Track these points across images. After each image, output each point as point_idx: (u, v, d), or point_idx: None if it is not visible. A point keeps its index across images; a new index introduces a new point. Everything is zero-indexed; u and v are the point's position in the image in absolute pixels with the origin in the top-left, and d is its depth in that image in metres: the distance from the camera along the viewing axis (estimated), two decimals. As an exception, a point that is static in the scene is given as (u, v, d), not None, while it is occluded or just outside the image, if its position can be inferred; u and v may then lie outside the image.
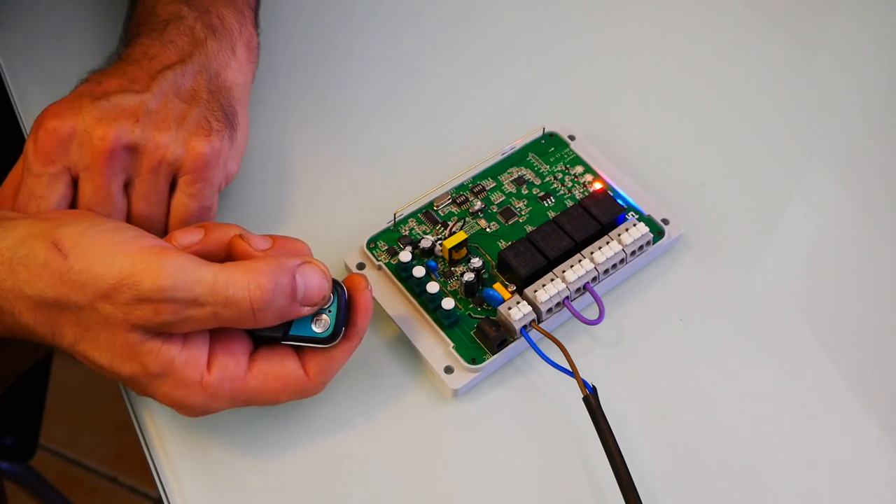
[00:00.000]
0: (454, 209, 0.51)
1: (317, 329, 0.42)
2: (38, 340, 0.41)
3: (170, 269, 0.38)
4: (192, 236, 0.42)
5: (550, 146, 0.54)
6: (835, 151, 0.56)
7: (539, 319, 0.46)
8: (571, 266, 0.47)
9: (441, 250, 0.49)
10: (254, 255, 0.42)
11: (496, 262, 0.49)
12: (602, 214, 0.49)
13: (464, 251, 0.49)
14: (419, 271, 0.47)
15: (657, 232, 0.50)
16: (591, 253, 0.48)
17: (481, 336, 0.46)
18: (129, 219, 0.47)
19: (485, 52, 0.60)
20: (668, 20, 0.62)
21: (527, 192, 0.52)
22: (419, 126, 0.57)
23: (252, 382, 0.41)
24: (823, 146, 0.56)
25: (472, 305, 0.48)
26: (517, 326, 0.46)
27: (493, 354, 0.46)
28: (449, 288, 0.48)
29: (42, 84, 0.58)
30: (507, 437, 0.45)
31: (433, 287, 0.47)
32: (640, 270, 0.50)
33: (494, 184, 0.52)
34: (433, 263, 0.49)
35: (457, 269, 0.49)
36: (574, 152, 0.53)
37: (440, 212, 0.51)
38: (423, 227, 0.51)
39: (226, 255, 0.43)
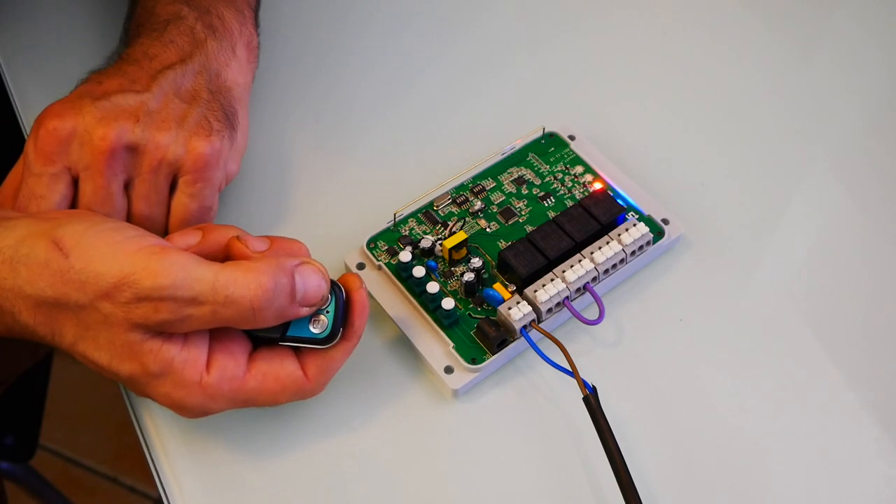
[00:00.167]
0: (454, 209, 0.51)
1: (314, 330, 0.42)
2: (38, 340, 0.41)
3: (170, 267, 0.38)
4: (189, 238, 0.42)
5: (550, 146, 0.54)
6: (835, 151, 0.56)
7: (539, 319, 0.46)
8: (571, 266, 0.47)
9: (441, 250, 0.49)
10: (251, 257, 0.42)
11: (496, 262, 0.49)
12: (602, 214, 0.49)
13: (464, 251, 0.49)
14: (419, 271, 0.47)
15: (657, 232, 0.50)
16: (591, 253, 0.48)
17: (481, 336, 0.46)
18: (130, 219, 0.47)
19: (485, 52, 0.60)
20: (669, 20, 0.62)
21: (527, 192, 0.52)
22: (419, 126, 0.57)
23: (251, 383, 0.41)
24: (823, 146, 0.56)
25: (472, 305, 0.48)
26: (517, 326, 0.46)
27: (493, 354, 0.46)
28: (449, 288, 0.48)
29: (42, 84, 0.58)
30: (507, 437, 0.45)
31: (433, 287, 0.47)
32: (640, 270, 0.50)
33: (494, 184, 0.52)
34: (433, 263, 0.49)
35: (457, 269, 0.49)
36: (574, 152, 0.53)
37: (440, 212, 0.51)
38: (423, 227, 0.51)
39: (224, 257, 0.43)
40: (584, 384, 0.43)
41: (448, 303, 0.46)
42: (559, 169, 0.53)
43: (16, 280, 0.39)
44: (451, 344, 0.46)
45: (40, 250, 0.39)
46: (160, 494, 0.44)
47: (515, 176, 0.53)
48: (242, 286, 0.39)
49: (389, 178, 0.54)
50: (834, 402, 0.46)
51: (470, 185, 0.52)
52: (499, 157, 0.53)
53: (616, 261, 0.48)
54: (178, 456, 0.45)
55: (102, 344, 0.39)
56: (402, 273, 0.48)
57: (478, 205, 0.51)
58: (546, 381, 0.47)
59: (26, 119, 0.57)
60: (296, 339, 0.42)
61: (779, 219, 0.53)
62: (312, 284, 0.41)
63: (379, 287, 0.49)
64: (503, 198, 0.52)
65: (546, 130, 0.54)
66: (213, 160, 0.47)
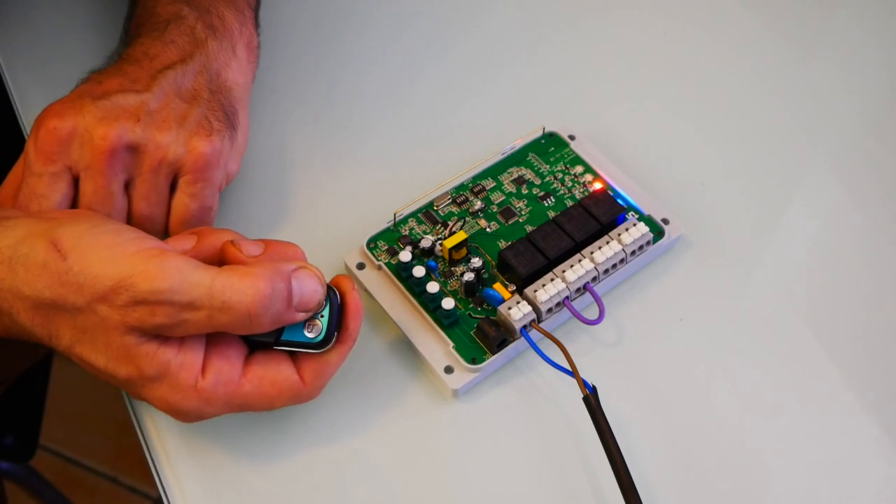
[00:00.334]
0: (454, 209, 0.51)
1: (309, 334, 0.42)
2: (35, 342, 0.41)
3: (167, 271, 0.38)
4: (184, 243, 0.42)
5: (550, 146, 0.54)
6: (835, 151, 0.56)
7: (539, 319, 0.46)
8: (571, 266, 0.47)
9: (441, 250, 0.49)
10: (245, 262, 0.41)
11: (496, 261, 0.49)
12: (602, 214, 0.49)
13: (464, 251, 0.49)
14: (419, 271, 0.47)
15: (657, 232, 0.50)
16: (591, 253, 0.48)
17: (481, 336, 0.46)
18: (130, 218, 0.47)
19: (485, 52, 0.60)
20: (668, 20, 0.62)
21: (527, 191, 0.52)
22: (419, 126, 0.57)
23: (246, 387, 0.41)
24: (823, 146, 0.56)
25: (472, 305, 0.48)
26: (517, 326, 0.46)
27: (493, 354, 0.46)
28: (449, 288, 0.48)
29: (42, 84, 0.58)
30: (507, 437, 0.45)
31: (433, 287, 0.47)
32: (640, 270, 0.50)
33: (494, 184, 0.52)
34: (433, 263, 0.49)
35: (457, 269, 0.49)
36: (574, 152, 0.53)
37: (440, 212, 0.51)
38: (423, 227, 0.51)
39: (219, 262, 0.42)
40: (584, 384, 0.43)
41: (448, 303, 0.46)
42: (559, 169, 0.53)
43: (14, 281, 0.39)
44: (451, 344, 0.46)
45: (39, 251, 0.39)
46: (160, 495, 0.44)
47: (515, 176, 0.53)
48: (239, 292, 0.39)
49: (389, 178, 0.54)
50: (834, 402, 0.46)
51: (470, 184, 0.52)
52: (499, 157, 0.53)
53: (616, 261, 0.48)
54: (178, 457, 0.45)
55: (99, 347, 0.39)
56: (402, 273, 0.48)
57: (478, 205, 0.51)
58: (546, 381, 0.47)
59: (26, 119, 0.57)
60: (290, 343, 0.42)
61: (779, 219, 0.53)
62: (309, 289, 0.41)
63: (379, 287, 0.49)
64: (503, 198, 0.52)
65: (546, 130, 0.54)
66: (213, 160, 0.47)
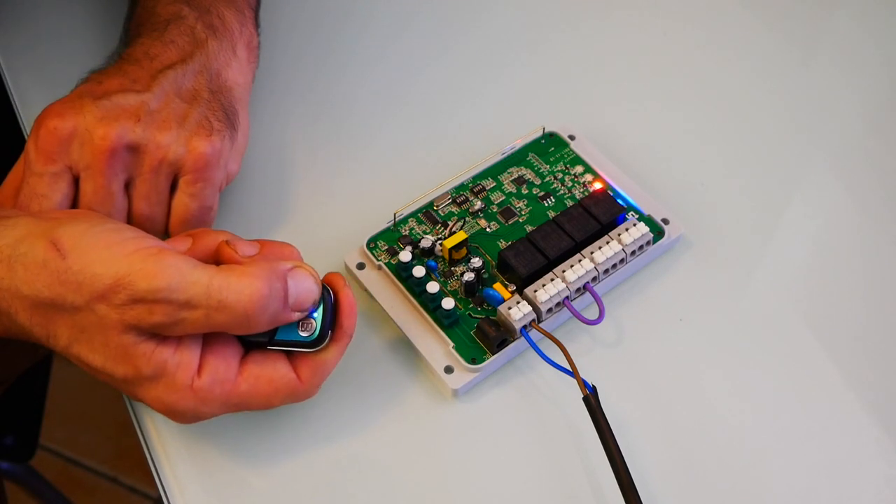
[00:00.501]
0: (454, 209, 0.51)
1: (303, 333, 0.42)
2: (34, 342, 0.41)
3: (166, 269, 0.38)
4: (179, 246, 0.42)
5: (550, 146, 0.54)
6: (835, 151, 0.56)
7: (539, 319, 0.46)
8: (571, 266, 0.47)
9: (441, 250, 0.49)
10: (241, 262, 0.41)
11: (496, 261, 0.49)
12: (602, 214, 0.49)
13: (464, 251, 0.49)
14: (419, 271, 0.47)
15: (657, 232, 0.50)
16: (591, 253, 0.48)
17: (481, 336, 0.46)
18: (130, 218, 0.47)
19: (485, 52, 0.60)
20: (668, 20, 0.62)
21: (527, 191, 0.52)
22: (419, 126, 0.57)
23: (243, 386, 0.41)
24: (823, 146, 0.56)
25: (472, 305, 0.48)
26: (517, 326, 0.46)
27: (493, 354, 0.46)
28: (449, 288, 0.48)
29: (42, 84, 0.58)
30: (507, 437, 0.45)
31: (433, 287, 0.47)
32: (640, 270, 0.50)
33: (494, 184, 0.52)
34: (433, 263, 0.49)
35: (457, 268, 0.49)
36: (574, 152, 0.53)
37: (440, 212, 0.51)
38: (423, 227, 0.51)
39: (215, 263, 0.42)
40: (584, 384, 0.43)
41: (448, 303, 0.46)
42: (559, 169, 0.53)
43: (13, 280, 0.39)
44: (451, 344, 0.46)
45: (38, 250, 0.39)
46: (160, 495, 0.44)
47: (515, 176, 0.53)
48: (237, 291, 0.39)
49: (389, 178, 0.54)
50: (834, 402, 0.46)
51: (470, 184, 0.52)
52: (499, 157, 0.53)
53: (616, 261, 0.48)
54: (178, 457, 0.45)
55: (97, 346, 0.39)
56: (402, 273, 0.48)
57: (478, 205, 0.51)
58: (546, 381, 0.47)
59: (26, 119, 0.57)
60: (284, 342, 0.42)
61: (779, 219, 0.53)
62: (304, 288, 0.41)
63: (379, 287, 0.49)
64: (503, 198, 0.52)
65: (546, 130, 0.54)
66: (213, 160, 0.47)
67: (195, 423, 0.43)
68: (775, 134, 0.57)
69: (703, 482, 0.44)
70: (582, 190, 0.52)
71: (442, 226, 0.51)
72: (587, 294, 0.48)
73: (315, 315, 0.42)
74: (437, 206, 0.51)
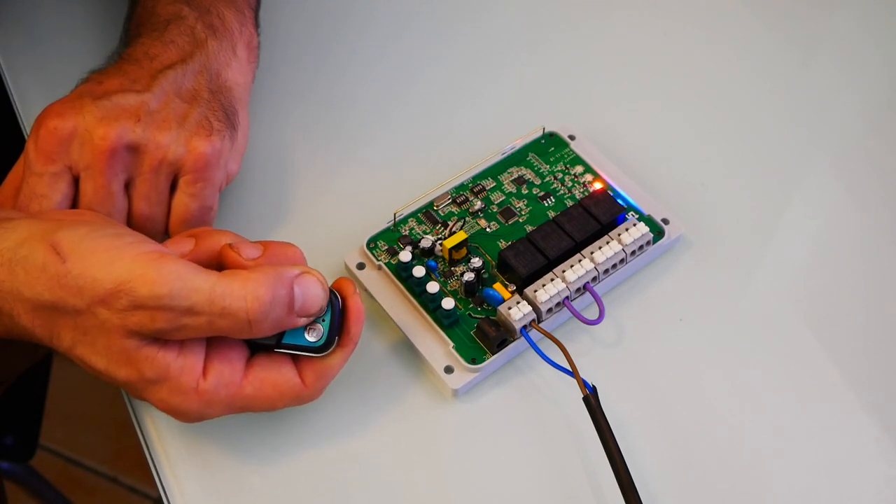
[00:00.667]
0: (454, 209, 0.51)
1: (310, 338, 0.42)
2: (37, 342, 0.41)
3: (167, 276, 0.38)
4: (182, 247, 0.42)
5: (550, 146, 0.54)
6: (835, 151, 0.56)
7: (539, 319, 0.46)
8: (571, 266, 0.47)
9: (441, 250, 0.49)
10: (244, 266, 0.41)
11: (496, 261, 0.49)
12: (602, 214, 0.49)
13: (464, 251, 0.49)
14: (419, 271, 0.47)
15: (657, 232, 0.50)
16: (591, 253, 0.48)
17: (481, 336, 0.46)
18: (130, 218, 0.47)
19: (485, 52, 0.60)
20: (668, 19, 0.62)
21: (527, 191, 0.52)
22: (419, 126, 0.57)
23: (248, 389, 0.41)
24: (823, 146, 0.56)
25: (472, 305, 0.48)
26: (517, 326, 0.46)
27: (493, 354, 0.46)
28: (449, 288, 0.48)
29: (42, 84, 0.58)
30: (507, 437, 0.45)
31: (433, 287, 0.47)
32: (640, 270, 0.50)
33: (494, 184, 0.52)
34: (433, 263, 0.49)
35: (457, 269, 0.49)
36: (574, 152, 0.53)
37: (440, 212, 0.51)
38: (423, 227, 0.51)
39: (218, 264, 0.42)
40: (584, 384, 0.43)
41: (448, 303, 0.46)
42: (559, 169, 0.53)
43: (14, 283, 0.39)
44: (451, 344, 0.46)
45: (38, 253, 0.39)
46: (160, 495, 0.44)
47: (515, 176, 0.53)
48: (239, 298, 0.39)
49: (389, 178, 0.54)
50: (834, 402, 0.46)
51: (470, 184, 0.52)
52: (499, 157, 0.53)
53: (616, 261, 0.48)
54: (178, 457, 0.45)
55: (99, 349, 0.39)
56: (402, 273, 0.48)
57: (478, 205, 0.51)
58: (546, 381, 0.47)
59: (26, 119, 0.57)
60: (291, 346, 0.42)
61: (779, 219, 0.53)
62: (311, 295, 0.41)
63: (379, 287, 0.49)
64: (503, 198, 0.52)
65: (546, 130, 0.54)
66: (213, 160, 0.47)
67: (196, 423, 0.43)
68: (775, 134, 0.57)
69: (703, 482, 0.44)
70: (582, 190, 0.52)
71: (442, 226, 0.51)
72: (587, 294, 0.48)
73: (322, 320, 0.42)
74: (437, 206, 0.51)
